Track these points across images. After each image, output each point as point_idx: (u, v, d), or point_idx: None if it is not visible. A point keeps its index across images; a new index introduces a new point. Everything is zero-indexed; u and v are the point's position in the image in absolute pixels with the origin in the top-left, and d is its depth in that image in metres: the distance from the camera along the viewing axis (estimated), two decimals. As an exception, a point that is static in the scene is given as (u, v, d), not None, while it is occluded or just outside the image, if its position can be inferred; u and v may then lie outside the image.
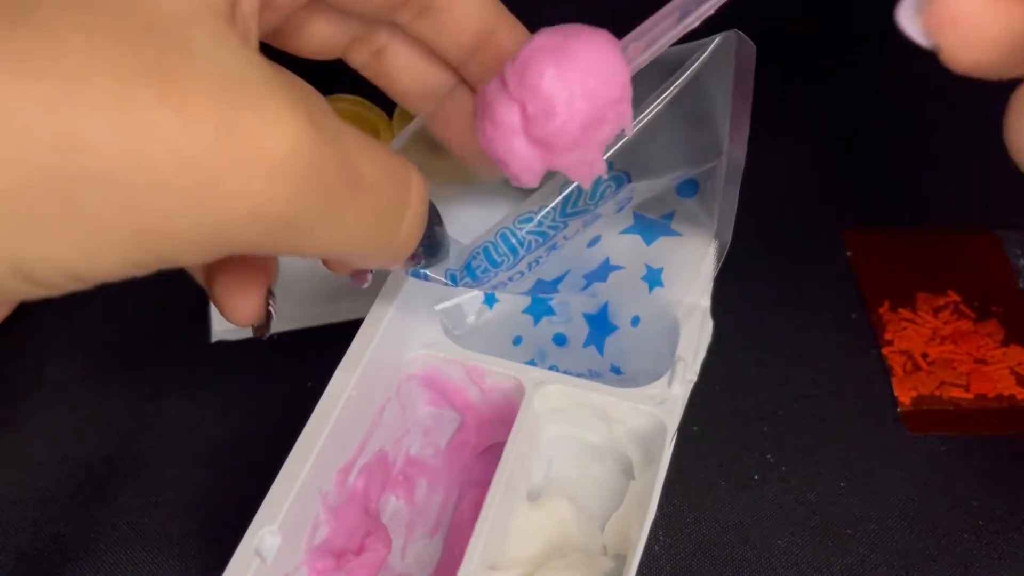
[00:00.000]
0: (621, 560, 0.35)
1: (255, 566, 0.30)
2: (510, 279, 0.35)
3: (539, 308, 0.40)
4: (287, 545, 0.31)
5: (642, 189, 0.37)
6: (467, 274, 0.34)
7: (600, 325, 0.39)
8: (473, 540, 0.32)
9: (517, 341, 0.40)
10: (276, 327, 0.34)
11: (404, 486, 0.38)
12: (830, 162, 0.53)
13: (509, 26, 0.31)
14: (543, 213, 0.34)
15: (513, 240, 0.34)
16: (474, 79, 0.32)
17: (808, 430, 0.41)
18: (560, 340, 0.40)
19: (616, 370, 0.38)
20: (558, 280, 0.38)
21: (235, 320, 0.29)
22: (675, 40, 0.28)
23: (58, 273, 0.20)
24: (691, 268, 0.38)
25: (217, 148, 0.19)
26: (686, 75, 0.32)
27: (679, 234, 0.38)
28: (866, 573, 0.37)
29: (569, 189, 0.34)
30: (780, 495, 0.39)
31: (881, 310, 0.44)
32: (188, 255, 0.21)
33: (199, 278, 0.30)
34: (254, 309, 0.29)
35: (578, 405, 0.36)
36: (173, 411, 0.44)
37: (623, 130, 0.28)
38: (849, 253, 0.47)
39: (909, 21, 0.21)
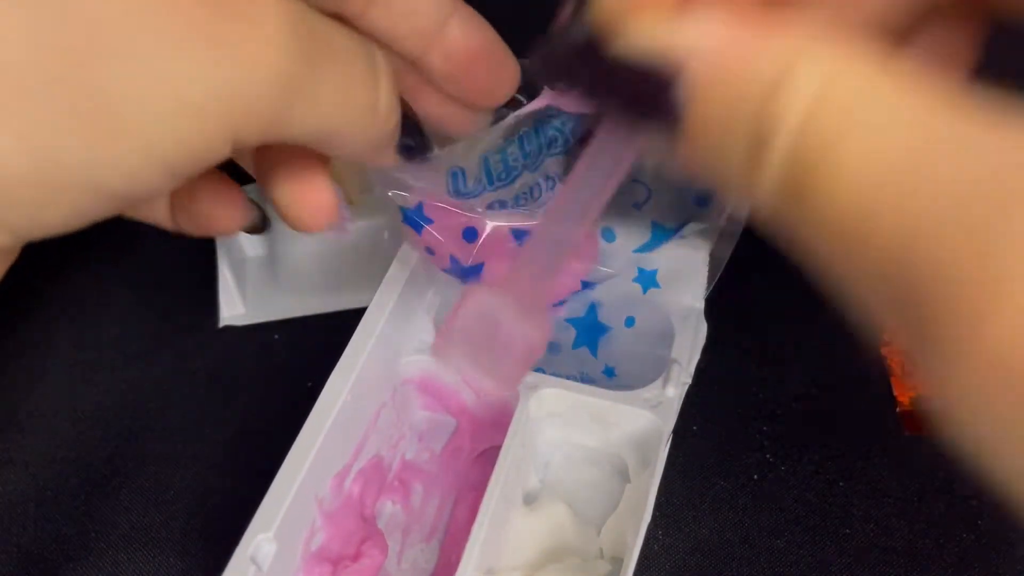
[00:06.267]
0: (618, 563, 0.35)
1: (251, 574, 0.30)
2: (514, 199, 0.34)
3: None
4: (283, 552, 0.31)
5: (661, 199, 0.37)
6: (483, 175, 0.33)
7: (590, 326, 0.39)
8: (469, 545, 0.32)
9: None
10: (280, 315, 0.34)
11: (400, 491, 0.38)
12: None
13: (465, 9, 0.30)
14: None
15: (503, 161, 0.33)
16: (435, 71, 0.31)
17: (807, 430, 0.41)
18: (551, 348, 0.39)
19: (609, 372, 0.37)
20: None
21: (304, 218, 0.28)
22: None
23: (190, 159, 0.22)
24: (689, 270, 0.37)
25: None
26: None
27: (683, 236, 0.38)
28: (865, 572, 0.37)
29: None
30: (780, 495, 0.39)
31: (881, 309, 0.44)
32: (245, 132, 0.22)
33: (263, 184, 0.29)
34: (322, 199, 0.28)
35: (573, 409, 0.36)
36: (174, 410, 0.44)
37: None
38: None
39: None
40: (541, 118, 0.32)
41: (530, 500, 0.37)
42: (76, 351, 0.47)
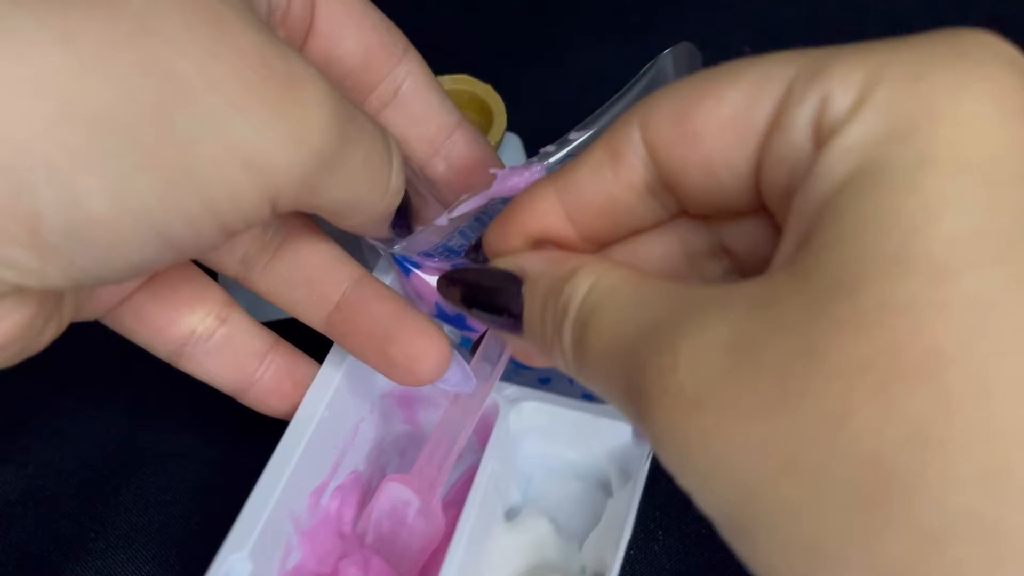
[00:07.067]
0: (601, 579, 0.34)
1: (225, 593, 0.30)
2: None
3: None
4: (258, 571, 0.31)
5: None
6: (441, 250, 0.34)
7: None
8: (447, 563, 0.31)
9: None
10: (280, 314, 0.34)
11: (378, 508, 0.37)
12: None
13: (468, 126, 0.35)
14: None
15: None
16: (437, 175, 0.35)
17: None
18: (543, 380, 0.39)
19: (587, 396, 0.37)
20: None
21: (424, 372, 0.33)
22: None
23: (239, 214, 0.24)
24: None
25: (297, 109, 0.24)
26: (643, 81, 0.32)
27: None
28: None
29: None
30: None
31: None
32: (283, 197, 0.25)
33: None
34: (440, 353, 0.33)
35: (554, 422, 0.35)
36: (174, 410, 0.44)
37: None
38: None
39: None
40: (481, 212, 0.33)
41: (512, 515, 0.36)
42: (76, 350, 0.46)
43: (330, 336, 0.34)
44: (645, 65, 0.32)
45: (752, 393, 0.18)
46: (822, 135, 0.20)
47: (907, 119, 0.18)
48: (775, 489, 0.18)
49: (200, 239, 0.24)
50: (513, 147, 0.50)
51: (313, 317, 0.34)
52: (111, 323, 0.33)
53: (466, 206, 0.32)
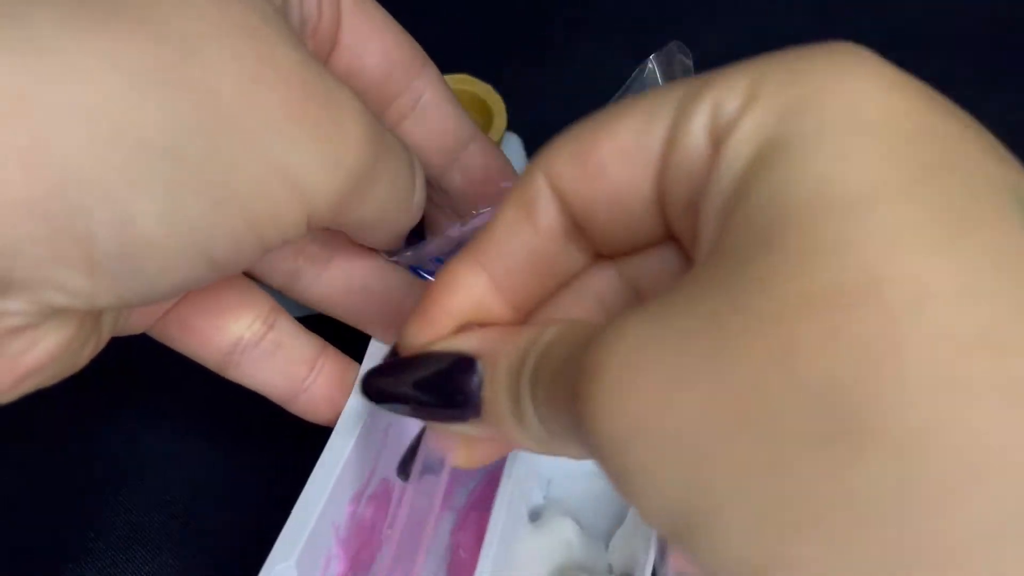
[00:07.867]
0: (627, 579, 0.35)
1: (271, 603, 0.30)
2: None
3: None
4: (302, 582, 0.31)
5: None
6: None
7: None
8: (479, 567, 0.31)
9: None
10: (298, 311, 0.35)
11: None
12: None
13: (484, 138, 0.35)
14: None
15: None
16: (453, 186, 0.35)
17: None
18: None
19: None
20: None
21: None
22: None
23: (277, 232, 0.25)
24: None
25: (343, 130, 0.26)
26: (633, 88, 0.32)
27: None
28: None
29: None
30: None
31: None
32: (317, 216, 0.26)
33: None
34: None
35: (575, 422, 0.35)
36: (175, 411, 0.44)
37: None
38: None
39: None
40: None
41: (535, 517, 0.37)
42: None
43: (389, 343, 0.35)
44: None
45: (683, 354, 0.18)
46: (718, 137, 0.20)
47: (797, 100, 0.19)
48: (731, 453, 0.17)
49: (241, 256, 0.25)
50: (513, 147, 0.50)
51: (374, 325, 0.35)
52: (158, 335, 0.33)
53: (479, 219, 0.32)
